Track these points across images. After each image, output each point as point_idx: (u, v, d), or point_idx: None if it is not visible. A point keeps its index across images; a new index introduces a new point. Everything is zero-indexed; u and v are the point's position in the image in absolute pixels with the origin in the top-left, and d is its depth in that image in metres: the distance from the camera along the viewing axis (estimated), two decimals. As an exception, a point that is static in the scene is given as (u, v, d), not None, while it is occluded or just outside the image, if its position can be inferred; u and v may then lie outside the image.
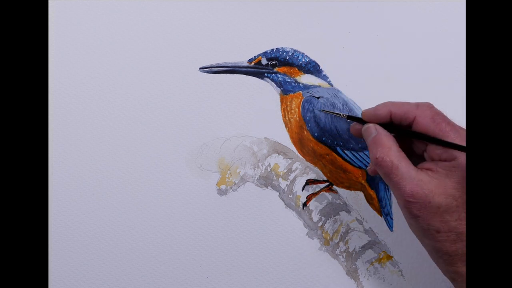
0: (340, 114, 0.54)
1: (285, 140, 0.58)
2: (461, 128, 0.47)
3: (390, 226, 0.57)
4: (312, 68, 0.58)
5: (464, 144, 0.46)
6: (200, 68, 0.59)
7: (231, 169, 0.58)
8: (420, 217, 0.45)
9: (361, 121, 0.51)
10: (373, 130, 0.49)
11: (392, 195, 0.57)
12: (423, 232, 0.46)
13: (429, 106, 0.48)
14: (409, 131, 0.49)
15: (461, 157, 0.45)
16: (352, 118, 0.52)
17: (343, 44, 0.59)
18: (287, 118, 0.58)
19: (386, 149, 0.47)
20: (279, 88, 0.58)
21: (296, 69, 0.58)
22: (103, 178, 0.58)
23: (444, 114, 0.48)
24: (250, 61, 0.59)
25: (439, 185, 0.45)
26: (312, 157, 0.58)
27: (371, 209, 0.58)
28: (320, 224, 0.57)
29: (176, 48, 0.59)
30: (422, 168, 0.47)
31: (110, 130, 0.59)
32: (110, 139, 0.59)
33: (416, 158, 0.48)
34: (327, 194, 0.58)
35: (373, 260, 0.57)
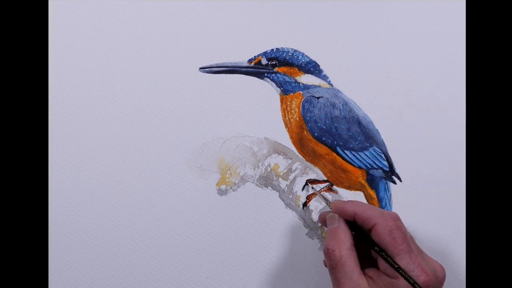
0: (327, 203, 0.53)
1: (285, 140, 0.58)
2: (419, 251, 0.46)
3: (390, 226, 0.57)
4: (312, 68, 0.58)
5: (411, 270, 0.44)
6: (200, 68, 0.59)
7: (231, 169, 0.58)
8: None
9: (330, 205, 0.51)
10: (336, 221, 0.49)
11: (392, 195, 0.57)
12: None
13: (393, 218, 0.47)
14: (365, 236, 0.48)
15: (403, 281, 0.44)
16: (329, 205, 0.52)
17: (343, 44, 0.59)
18: (287, 118, 0.58)
19: (340, 242, 0.47)
20: (279, 88, 0.58)
21: (296, 69, 0.58)
22: (103, 178, 0.58)
23: (407, 231, 0.47)
24: (250, 61, 0.59)
25: None
26: (312, 157, 0.58)
27: (371, 209, 0.58)
28: (320, 224, 0.57)
29: (176, 48, 0.59)
30: (367, 273, 0.47)
31: (110, 130, 0.59)
32: (110, 139, 0.59)
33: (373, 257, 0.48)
34: (327, 194, 0.58)
35: (373, 260, 0.57)
